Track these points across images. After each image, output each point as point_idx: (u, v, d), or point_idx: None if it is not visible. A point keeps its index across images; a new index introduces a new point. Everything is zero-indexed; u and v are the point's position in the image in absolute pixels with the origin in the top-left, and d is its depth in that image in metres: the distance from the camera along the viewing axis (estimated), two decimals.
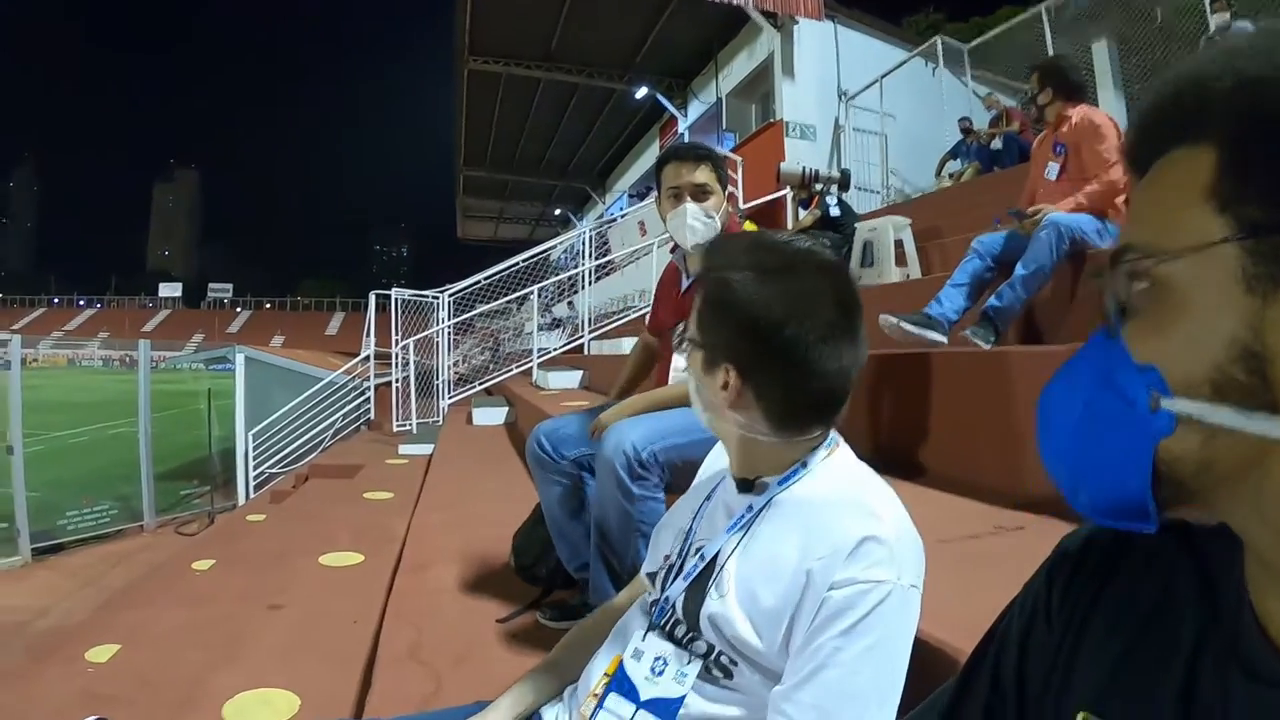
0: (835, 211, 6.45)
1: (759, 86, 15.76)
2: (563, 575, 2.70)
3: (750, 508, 1.22)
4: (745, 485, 1.25)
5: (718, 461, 1.52)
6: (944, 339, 3.76)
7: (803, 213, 6.90)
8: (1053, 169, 4.18)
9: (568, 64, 17.94)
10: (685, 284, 2.73)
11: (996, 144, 10.52)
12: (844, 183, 6.59)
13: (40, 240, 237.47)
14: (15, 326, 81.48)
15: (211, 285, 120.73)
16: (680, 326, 2.11)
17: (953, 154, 11.26)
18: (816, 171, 6.54)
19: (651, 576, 1.35)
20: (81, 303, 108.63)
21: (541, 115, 21.31)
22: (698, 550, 1.26)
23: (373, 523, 5.02)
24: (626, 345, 8.19)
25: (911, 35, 17.17)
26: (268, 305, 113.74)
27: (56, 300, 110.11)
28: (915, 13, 34.64)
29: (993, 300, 3.72)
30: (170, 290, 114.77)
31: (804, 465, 1.22)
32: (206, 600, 3.98)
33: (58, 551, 10.72)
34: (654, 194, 2.86)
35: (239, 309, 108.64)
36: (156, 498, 12.35)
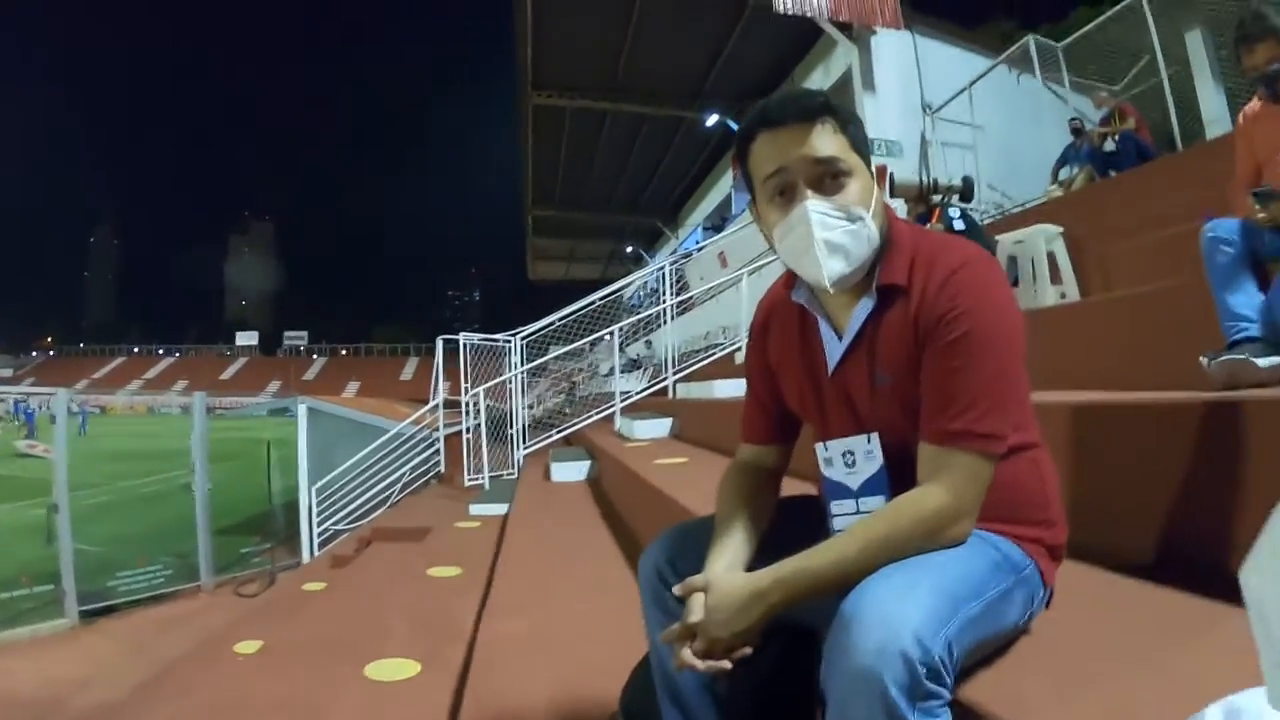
0: (959, 225, 5.62)
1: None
2: None
3: None
4: None
5: None
6: None
7: None
8: None
9: (634, 94, 17.47)
10: (840, 350, 1.55)
11: (1109, 145, 9.60)
12: (966, 193, 5.74)
13: (121, 292, 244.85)
14: (97, 375, 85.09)
15: (287, 333, 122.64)
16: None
17: (1063, 160, 10.36)
18: (935, 181, 5.70)
19: None
20: (161, 351, 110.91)
21: (609, 149, 20.91)
22: None
23: (435, 611, 4.36)
24: (718, 389, 7.41)
25: (994, 42, 16.31)
26: (343, 352, 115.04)
27: (137, 349, 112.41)
28: (984, 23, 33.52)
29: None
30: (247, 339, 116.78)
31: None
32: (239, 707, 3.42)
33: (110, 613, 10.16)
34: (731, 222, 1.58)
35: (315, 356, 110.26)
36: (217, 554, 11.82)
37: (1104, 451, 2.17)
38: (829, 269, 1.44)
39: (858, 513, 1.51)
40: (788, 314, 1.67)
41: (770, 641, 1.42)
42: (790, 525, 1.56)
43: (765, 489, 1.70)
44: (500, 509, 7.04)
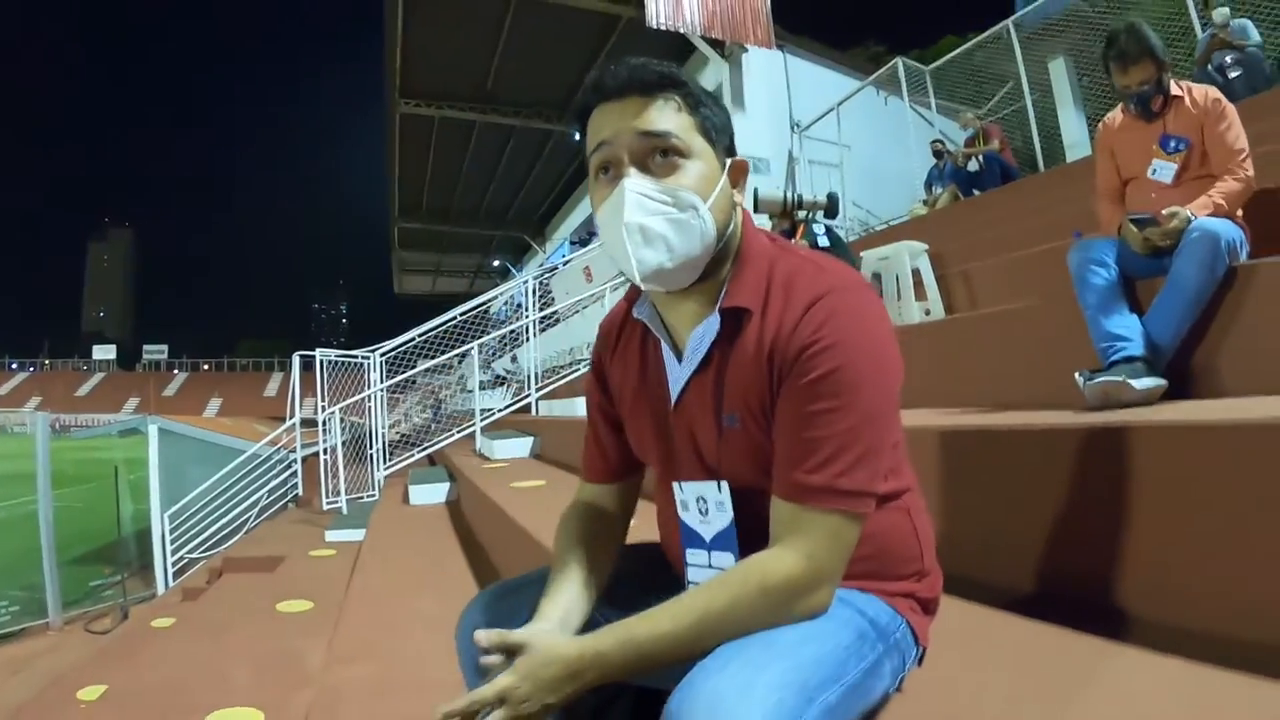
0: (824, 241, 5.60)
1: None
2: None
3: None
4: None
5: None
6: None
7: None
8: (1167, 170, 3.12)
9: (503, 105, 17.36)
10: (681, 378, 1.33)
11: (973, 165, 9.86)
12: (831, 208, 5.72)
13: None
14: None
15: (146, 347, 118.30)
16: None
17: (928, 180, 10.62)
18: (800, 197, 5.66)
19: None
20: (14, 366, 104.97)
21: (477, 161, 20.62)
22: None
23: (282, 652, 4.14)
24: (581, 406, 7.21)
25: (864, 64, 16.68)
26: (205, 366, 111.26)
27: None
28: (855, 46, 34.38)
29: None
30: (104, 353, 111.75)
31: None
32: None
33: None
34: (598, 236, 1.35)
35: (176, 370, 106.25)
36: (66, 587, 11.10)
37: (974, 478, 2.10)
38: (639, 260, 1.21)
39: (710, 566, 1.33)
40: (630, 337, 1.46)
41: (617, 702, 1.28)
42: (637, 577, 1.40)
43: (607, 534, 1.47)
44: (358, 535, 6.77)
